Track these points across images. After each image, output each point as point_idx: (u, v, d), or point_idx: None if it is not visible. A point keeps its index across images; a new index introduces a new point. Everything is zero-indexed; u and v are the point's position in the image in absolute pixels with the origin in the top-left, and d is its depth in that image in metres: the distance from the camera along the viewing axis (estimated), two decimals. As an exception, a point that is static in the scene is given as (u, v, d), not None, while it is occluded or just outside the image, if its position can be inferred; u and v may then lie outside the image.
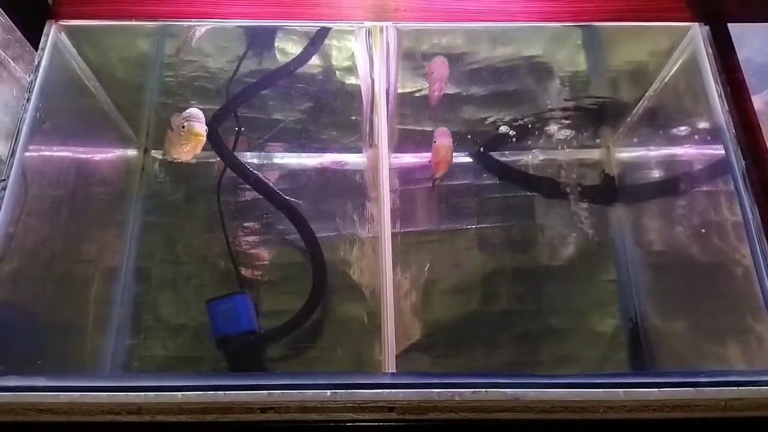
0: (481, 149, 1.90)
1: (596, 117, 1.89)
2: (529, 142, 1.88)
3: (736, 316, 1.38)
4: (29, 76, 1.44)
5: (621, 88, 1.85)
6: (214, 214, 1.76)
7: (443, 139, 1.65)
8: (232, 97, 1.78)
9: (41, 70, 1.45)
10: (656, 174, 1.76)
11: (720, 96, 1.43)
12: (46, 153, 1.49)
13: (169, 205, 1.83)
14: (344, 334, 1.69)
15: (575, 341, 1.74)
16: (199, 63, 1.82)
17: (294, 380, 1.14)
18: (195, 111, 1.45)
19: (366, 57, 1.61)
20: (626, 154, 1.90)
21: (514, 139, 1.88)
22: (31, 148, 1.39)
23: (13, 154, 1.35)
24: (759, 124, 1.38)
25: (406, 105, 1.87)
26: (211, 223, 1.77)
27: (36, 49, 1.48)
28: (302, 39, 1.74)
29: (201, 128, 1.43)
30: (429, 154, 1.70)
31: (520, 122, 1.86)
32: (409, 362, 1.63)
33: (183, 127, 1.43)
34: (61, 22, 1.52)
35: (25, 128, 1.38)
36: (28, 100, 1.40)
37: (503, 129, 1.85)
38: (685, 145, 1.62)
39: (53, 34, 1.50)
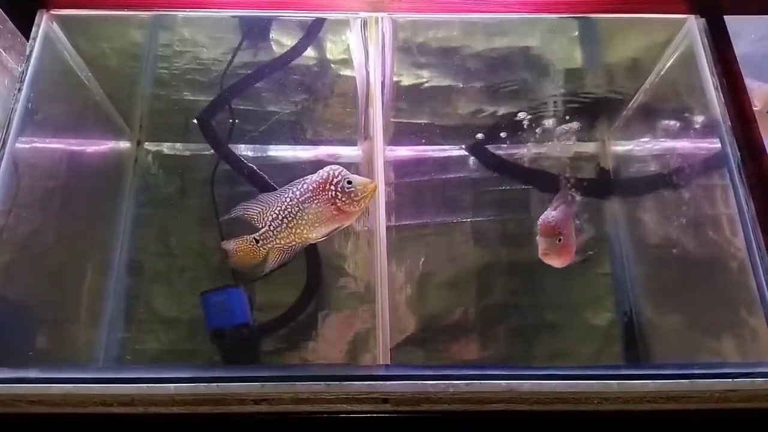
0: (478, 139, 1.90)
1: (592, 110, 1.88)
2: (525, 135, 1.88)
3: (730, 309, 1.38)
4: (20, 67, 1.43)
5: (617, 80, 1.85)
6: (208, 207, 1.75)
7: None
8: (226, 89, 1.77)
9: (33, 60, 1.43)
10: (652, 167, 1.76)
11: (716, 88, 1.43)
12: (38, 144, 1.48)
13: (163, 198, 1.82)
14: (338, 327, 1.69)
15: (570, 335, 1.74)
16: (193, 54, 1.80)
17: (287, 372, 1.14)
18: (333, 167, 1.20)
19: (361, 48, 1.60)
20: (622, 147, 1.90)
21: (514, 132, 1.87)
22: (22, 139, 1.38)
23: (3, 144, 1.33)
24: (755, 116, 1.38)
25: (402, 97, 1.86)
26: (205, 216, 1.76)
27: (27, 39, 1.46)
28: (297, 30, 1.72)
29: (365, 178, 1.20)
30: (426, 147, 1.69)
31: (515, 115, 1.86)
32: (403, 355, 1.62)
33: (349, 183, 1.18)
34: (52, 12, 1.50)
35: (16, 119, 1.37)
36: (20, 90, 1.39)
37: (513, 114, 1.83)
38: (681, 138, 1.62)
39: (45, 24, 1.49)
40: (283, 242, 1.21)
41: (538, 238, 1.39)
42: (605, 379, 1.13)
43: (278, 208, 1.20)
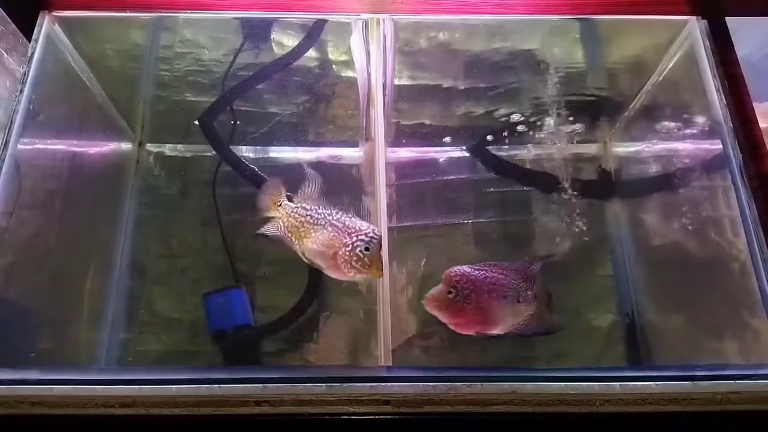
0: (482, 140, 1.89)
1: (593, 111, 1.88)
2: (526, 137, 1.88)
3: (732, 311, 1.38)
4: (22, 68, 1.43)
5: (618, 82, 1.85)
6: (210, 208, 1.75)
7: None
8: (228, 90, 1.77)
9: (34, 61, 1.44)
10: (653, 169, 1.76)
11: (717, 90, 1.43)
12: (40, 145, 1.48)
13: (164, 199, 1.82)
14: (340, 329, 1.69)
15: (571, 336, 1.74)
16: (195, 55, 1.80)
17: (289, 374, 1.14)
18: (376, 232, 1.16)
19: (362, 50, 1.60)
20: (623, 148, 1.90)
21: (515, 133, 1.87)
22: (24, 140, 1.38)
23: (5, 146, 1.34)
24: (756, 118, 1.38)
25: (403, 99, 1.86)
26: (207, 217, 1.76)
27: (29, 41, 1.47)
28: (299, 32, 1.73)
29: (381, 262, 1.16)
30: (427, 148, 1.68)
31: (516, 116, 1.86)
32: (404, 357, 1.62)
33: (366, 249, 1.13)
34: (54, 13, 1.51)
35: (18, 120, 1.37)
36: (21, 92, 1.39)
37: (514, 116, 1.83)
38: (683, 140, 1.62)
39: (47, 25, 1.49)
40: (286, 223, 1.22)
41: None
42: (607, 380, 1.13)
43: (315, 208, 1.21)
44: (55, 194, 1.55)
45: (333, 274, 1.18)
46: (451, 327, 1.25)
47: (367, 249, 1.14)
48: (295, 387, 1.11)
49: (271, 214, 1.24)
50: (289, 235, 1.21)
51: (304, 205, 1.22)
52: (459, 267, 1.26)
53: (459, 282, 1.24)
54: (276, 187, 1.26)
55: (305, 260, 1.20)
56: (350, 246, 1.14)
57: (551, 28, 1.74)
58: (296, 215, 1.21)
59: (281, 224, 1.22)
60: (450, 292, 1.22)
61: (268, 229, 1.24)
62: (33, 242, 1.43)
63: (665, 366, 1.60)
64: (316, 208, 1.21)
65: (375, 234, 1.15)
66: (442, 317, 1.24)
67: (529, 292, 1.32)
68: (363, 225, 1.17)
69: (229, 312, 1.58)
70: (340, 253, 1.15)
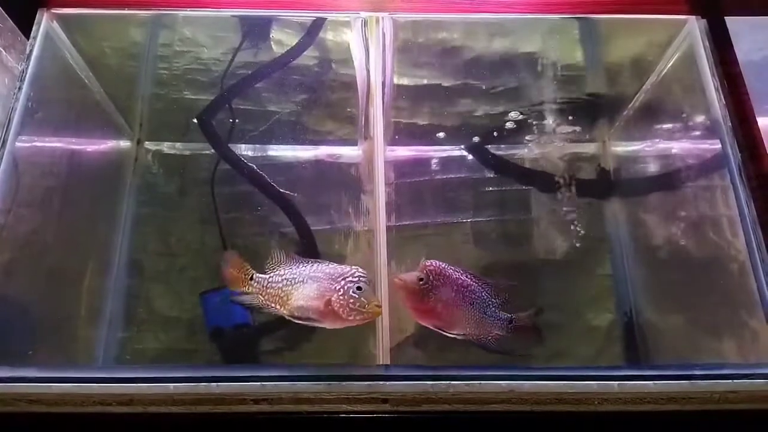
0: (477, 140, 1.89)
1: (592, 110, 1.88)
2: (525, 136, 1.88)
3: (730, 311, 1.38)
4: (21, 65, 1.43)
5: (617, 81, 1.85)
6: (208, 206, 1.75)
7: None
8: (227, 89, 1.77)
9: (33, 59, 1.43)
10: (652, 168, 1.76)
11: (716, 89, 1.43)
12: (38, 143, 1.48)
13: (163, 197, 1.82)
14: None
15: (570, 335, 1.74)
16: (194, 53, 1.80)
17: (287, 372, 1.14)
18: (361, 270, 1.14)
19: (362, 48, 1.60)
20: (622, 148, 1.90)
21: (515, 132, 1.87)
22: (22, 137, 1.37)
23: (4, 143, 1.33)
24: (755, 118, 1.38)
25: (402, 97, 1.86)
26: (205, 215, 1.76)
27: (28, 38, 1.46)
28: (298, 30, 1.72)
29: (377, 299, 1.14)
30: (426, 147, 1.68)
31: (515, 115, 1.86)
32: (403, 355, 1.62)
33: (359, 289, 1.11)
34: (53, 11, 1.50)
35: (16, 117, 1.37)
36: (20, 89, 1.39)
37: (513, 115, 1.83)
38: (682, 139, 1.62)
39: (45, 22, 1.49)
40: (265, 296, 1.19)
41: None
42: (605, 379, 1.13)
43: (288, 270, 1.18)
44: (54, 192, 1.55)
45: (329, 324, 1.15)
46: (411, 312, 1.25)
47: (359, 288, 1.12)
48: (294, 385, 1.11)
49: (246, 289, 1.20)
50: (272, 305, 1.18)
51: (277, 272, 1.19)
52: (437, 261, 1.27)
53: (432, 273, 1.24)
54: (236, 262, 1.21)
55: (295, 321, 1.16)
56: (341, 291, 1.12)
57: (551, 27, 1.74)
58: (273, 284, 1.18)
59: (261, 299, 1.19)
60: (421, 279, 1.22)
61: (248, 301, 1.21)
62: (31, 240, 1.43)
63: (663, 365, 1.60)
64: (290, 269, 1.18)
65: (361, 273, 1.14)
66: (406, 300, 1.23)
67: (501, 312, 1.30)
68: (344, 268, 1.15)
69: (227, 310, 1.58)
70: (334, 299, 1.12)
